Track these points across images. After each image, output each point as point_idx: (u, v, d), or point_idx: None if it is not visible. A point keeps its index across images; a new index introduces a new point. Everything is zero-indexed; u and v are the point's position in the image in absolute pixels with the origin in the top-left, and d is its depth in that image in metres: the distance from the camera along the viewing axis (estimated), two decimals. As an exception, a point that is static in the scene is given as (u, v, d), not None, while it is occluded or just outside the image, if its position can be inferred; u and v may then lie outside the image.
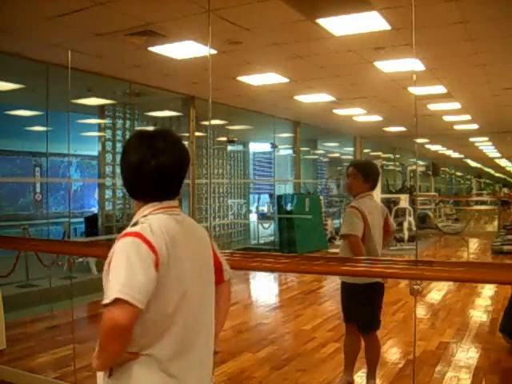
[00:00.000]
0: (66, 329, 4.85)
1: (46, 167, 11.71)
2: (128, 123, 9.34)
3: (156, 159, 1.51)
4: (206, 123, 8.94)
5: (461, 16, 4.59)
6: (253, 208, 14.54)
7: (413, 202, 12.49)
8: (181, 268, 1.49)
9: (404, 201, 12.42)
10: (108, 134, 9.23)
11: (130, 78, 7.42)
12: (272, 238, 12.49)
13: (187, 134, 8.76)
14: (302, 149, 13.94)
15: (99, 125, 9.59)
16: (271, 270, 5.39)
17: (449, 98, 8.72)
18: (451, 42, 5.48)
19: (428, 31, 4.93)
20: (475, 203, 18.80)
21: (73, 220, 11.02)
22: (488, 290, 6.98)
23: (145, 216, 1.52)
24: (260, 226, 13.25)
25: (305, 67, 6.69)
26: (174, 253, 1.47)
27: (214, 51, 5.66)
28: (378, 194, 9.89)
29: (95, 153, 10.00)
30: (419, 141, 12.70)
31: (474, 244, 12.63)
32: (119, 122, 9.25)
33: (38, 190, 12.87)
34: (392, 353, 4.53)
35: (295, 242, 10.59)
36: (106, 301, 1.33)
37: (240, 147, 13.57)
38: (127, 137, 9.21)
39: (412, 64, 6.00)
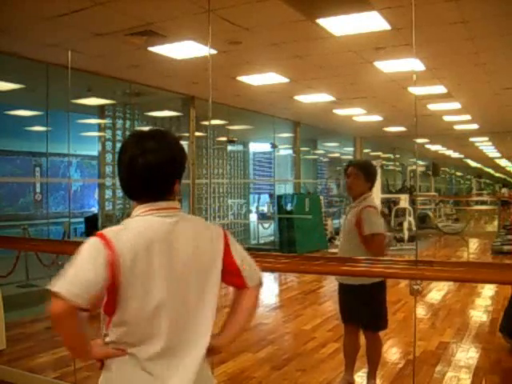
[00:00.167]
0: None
1: (45, 167, 11.68)
2: (128, 123, 9.35)
3: (143, 157, 1.49)
4: (206, 123, 8.92)
5: (461, 15, 4.59)
6: (253, 208, 14.50)
7: (413, 202, 12.47)
8: (154, 273, 1.45)
9: (404, 201, 12.41)
10: (108, 133, 9.25)
11: (130, 78, 7.42)
12: (272, 238, 12.48)
13: (187, 134, 8.77)
14: (302, 149, 13.94)
15: (99, 125, 9.60)
16: (271, 270, 5.37)
17: (449, 97, 8.72)
18: (451, 41, 5.47)
19: (428, 31, 4.93)
20: (475, 203, 18.77)
21: (73, 220, 11.01)
22: (488, 290, 6.97)
23: (135, 216, 1.53)
24: (260, 226, 13.23)
25: (305, 67, 6.69)
26: (147, 257, 1.44)
27: (213, 51, 5.66)
28: (378, 194, 9.91)
29: (95, 153, 10.02)
30: (419, 141, 12.69)
31: (473, 244, 12.61)
32: (119, 122, 9.26)
33: (37, 190, 12.84)
34: (392, 353, 4.53)
35: (295, 241, 10.59)
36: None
37: (240, 147, 13.56)
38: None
39: (412, 64, 5.99)
